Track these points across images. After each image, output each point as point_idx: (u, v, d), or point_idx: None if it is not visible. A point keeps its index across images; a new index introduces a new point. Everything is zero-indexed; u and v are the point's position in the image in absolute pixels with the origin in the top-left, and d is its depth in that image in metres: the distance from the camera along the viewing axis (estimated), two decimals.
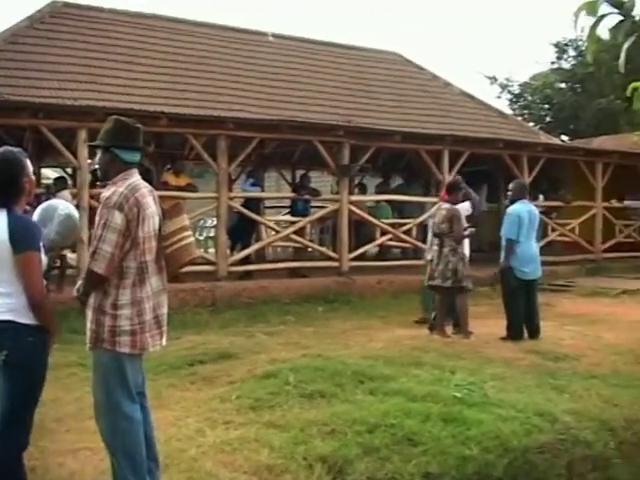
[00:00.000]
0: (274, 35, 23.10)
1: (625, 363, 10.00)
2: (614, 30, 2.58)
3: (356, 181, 22.04)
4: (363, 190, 22.00)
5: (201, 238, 23.40)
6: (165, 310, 5.27)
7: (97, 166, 5.38)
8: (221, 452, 6.07)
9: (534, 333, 11.21)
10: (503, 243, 11.33)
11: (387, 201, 20.22)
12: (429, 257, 12.00)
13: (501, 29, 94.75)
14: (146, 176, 5.51)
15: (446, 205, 11.46)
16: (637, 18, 2.56)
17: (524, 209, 11.33)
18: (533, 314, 11.36)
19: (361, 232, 19.46)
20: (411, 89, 23.54)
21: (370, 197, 21.14)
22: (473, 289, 12.02)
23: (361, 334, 11.64)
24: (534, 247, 11.59)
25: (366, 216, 18.17)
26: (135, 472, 5.03)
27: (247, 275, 16.09)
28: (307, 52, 22.97)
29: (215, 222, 16.54)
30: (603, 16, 2.59)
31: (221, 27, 22.30)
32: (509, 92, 43.95)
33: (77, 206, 12.33)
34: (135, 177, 5.16)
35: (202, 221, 24.00)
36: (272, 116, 17.21)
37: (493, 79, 43.74)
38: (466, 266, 11.35)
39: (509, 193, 11.75)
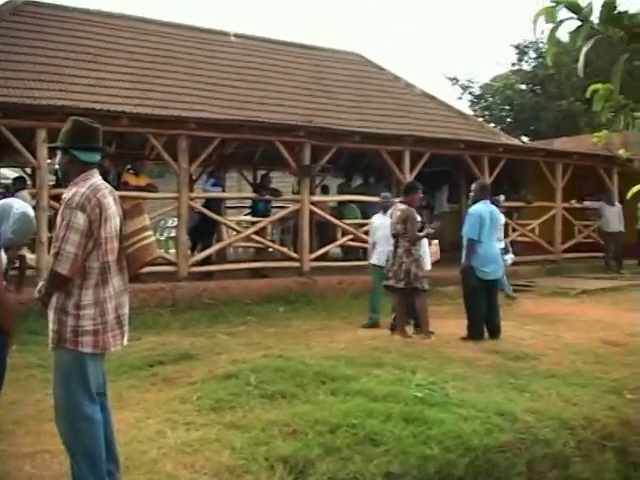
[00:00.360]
0: (236, 35, 23.07)
1: (584, 362, 10.08)
2: (573, 34, 2.60)
3: (317, 181, 22.05)
4: (325, 191, 22.06)
5: (162, 238, 23.32)
6: (126, 310, 5.27)
7: (57, 166, 5.35)
8: (182, 453, 6.04)
9: (495, 333, 11.26)
10: (464, 243, 11.39)
11: (351, 201, 20.25)
12: (373, 260, 12.45)
13: (463, 31, 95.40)
14: (104, 177, 5.47)
15: (402, 206, 11.44)
16: (595, 23, 2.59)
17: (486, 209, 11.38)
18: (494, 314, 11.42)
19: (325, 233, 19.51)
20: (372, 89, 23.58)
21: (331, 197, 21.18)
22: (431, 289, 12.08)
23: (322, 334, 11.64)
24: (495, 247, 11.69)
25: (327, 216, 18.18)
26: (94, 473, 5.00)
27: (208, 275, 16.05)
28: (268, 52, 22.93)
29: (176, 222, 16.48)
30: (561, 22, 2.61)
31: (185, 27, 22.22)
32: (470, 93, 44.21)
33: (35, 207, 12.20)
34: (96, 177, 5.14)
35: (163, 221, 23.93)
36: (233, 116, 17.18)
37: (454, 80, 43.98)
38: (421, 267, 11.35)
39: (471, 194, 11.80)
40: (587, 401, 8.35)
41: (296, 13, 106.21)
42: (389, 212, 12.31)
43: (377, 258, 12.60)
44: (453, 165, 22.49)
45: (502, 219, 16.10)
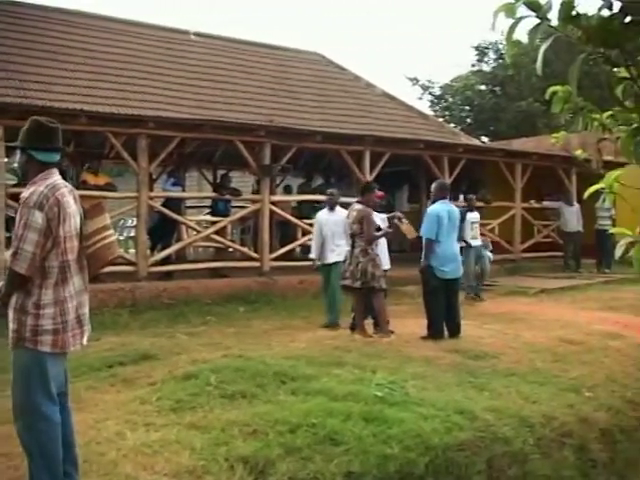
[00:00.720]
0: (196, 34, 22.99)
1: (543, 361, 10.15)
2: (531, 33, 2.61)
3: (278, 181, 22.06)
4: (289, 190, 22.06)
5: (121, 238, 23.16)
6: (86, 310, 5.26)
7: (16, 165, 5.32)
8: (141, 455, 6.01)
9: (454, 332, 11.29)
10: (423, 242, 11.43)
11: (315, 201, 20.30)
12: (332, 259, 12.52)
13: (424, 31, 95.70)
14: (63, 176, 5.44)
15: (358, 206, 11.44)
16: (554, 22, 2.60)
17: (444, 209, 11.41)
18: (454, 313, 11.46)
19: (286, 232, 19.51)
20: (333, 89, 23.63)
21: (291, 197, 21.17)
22: (390, 288, 12.11)
23: (283, 334, 11.62)
24: (454, 247, 11.69)
25: (288, 216, 18.18)
26: (51, 475, 4.98)
27: (168, 275, 15.97)
28: (229, 51, 22.90)
29: (135, 222, 16.38)
30: (520, 19, 2.63)
31: (145, 25, 22.14)
32: (430, 94, 44.51)
33: None
34: (55, 177, 5.12)
35: (122, 221, 23.79)
36: (193, 115, 17.13)
37: (415, 81, 44.25)
38: (378, 266, 11.32)
39: (431, 194, 11.84)
40: (546, 399, 8.43)
41: (257, 12, 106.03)
42: (337, 209, 12.72)
43: (337, 254, 12.56)
44: (413, 165, 22.57)
45: (477, 217, 16.32)
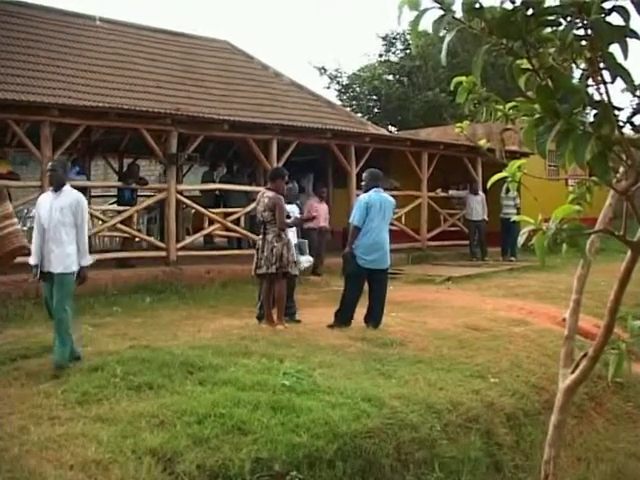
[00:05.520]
0: (101, 19, 22.61)
1: (449, 348, 10.30)
2: (435, 25, 2.63)
3: (184, 170, 21.93)
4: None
5: (24, 228, 22.70)
6: None
7: None
8: (46, 449, 5.91)
9: (374, 322, 11.24)
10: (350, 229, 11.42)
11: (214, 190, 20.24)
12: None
13: (331, 20, 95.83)
14: None
15: (269, 193, 11.31)
16: (458, 13, 2.62)
17: (376, 197, 11.34)
18: (376, 304, 11.36)
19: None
20: (240, 78, 23.54)
21: (196, 186, 21.09)
22: (300, 277, 12.11)
23: (190, 324, 11.54)
24: (382, 236, 11.41)
25: (195, 206, 18.10)
26: None
27: None
28: (135, 37, 22.63)
29: None
30: (425, 10, 2.64)
31: (47, 9, 21.63)
32: (338, 83, 44.62)
33: None
34: None
35: (25, 211, 23.30)
36: (99, 103, 16.86)
37: (322, 70, 44.30)
38: (292, 252, 11.28)
39: (362, 183, 11.77)
40: (452, 385, 8.58)
41: None
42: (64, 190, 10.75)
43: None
44: (321, 154, 22.64)
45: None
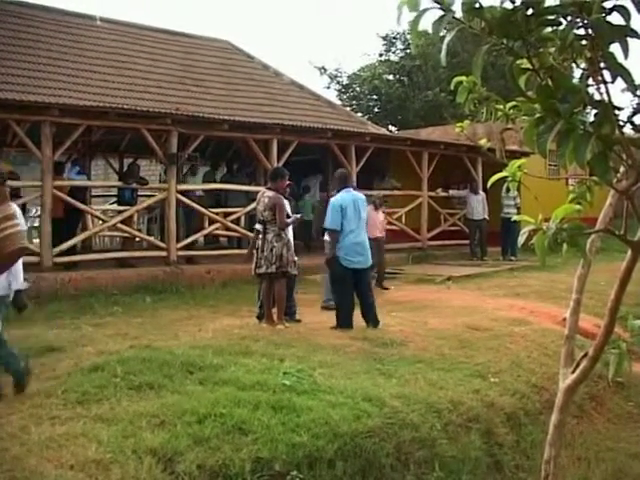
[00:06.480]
0: (102, 19, 22.61)
1: (450, 347, 10.29)
2: (435, 25, 2.63)
3: (185, 170, 21.90)
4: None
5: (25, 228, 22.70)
6: None
7: None
8: (47, 449, 5.90)
9: (373, 323, 11.23)
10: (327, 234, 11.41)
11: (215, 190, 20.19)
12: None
13: (332, 20, 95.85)
14: None
15: (269, 193, 11.29)
16: (458, 13, 2.62)
17: (348, 198, 11.31)
18: (366, 303, 11.34)
19: (192, 222, 19.38)
20: (241, 78, 23.55)
21: (197, 186, 21.06)
22: (299, 277, 12.09)
23: (190, 324, 11.54)
24: (362, 236, 11.42)
25: (195, 205, 18.07)
26: None
27: (73, 266, 15.69)
28: (136, 37, 22.64)
29: (39, 211, 16.08)
30: (424, 10, 2.64)
31: (48, 9, 21.62)
32: (338, 83, 44.63)
33: None
34: None
35: (34, 210, 23.34)
36: (99, 102, 16.87)
37: (323, 70, 44.30)
38: (292, 251, 11.26)
39: (330, 187, 11.75)
40: (453, 385, 8.57)
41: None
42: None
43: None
44: (321, 154, 22.65)
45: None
